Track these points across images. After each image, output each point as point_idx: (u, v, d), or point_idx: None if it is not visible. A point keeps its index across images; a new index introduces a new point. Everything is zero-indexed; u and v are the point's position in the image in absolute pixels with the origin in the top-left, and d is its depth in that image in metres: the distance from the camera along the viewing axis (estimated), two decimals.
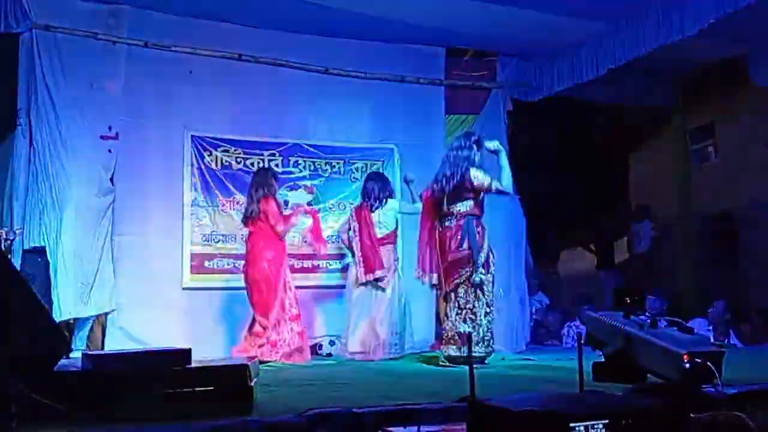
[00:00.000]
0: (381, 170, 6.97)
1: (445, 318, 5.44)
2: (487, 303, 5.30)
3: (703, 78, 8.42)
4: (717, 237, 9.12)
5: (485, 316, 5.27)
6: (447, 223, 5.41)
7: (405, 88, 7.33)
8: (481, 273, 5.27)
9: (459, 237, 5.34)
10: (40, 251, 5.63)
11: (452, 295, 5.34)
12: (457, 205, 5.37)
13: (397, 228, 6.37)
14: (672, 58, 7.20)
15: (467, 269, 5.29)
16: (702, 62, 7.87)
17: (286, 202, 6.70)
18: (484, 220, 5.47)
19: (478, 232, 5.35)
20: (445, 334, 5.38)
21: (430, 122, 7.40)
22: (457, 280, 5.31)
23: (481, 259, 5.30)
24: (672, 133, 9.38)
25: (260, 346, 5.69)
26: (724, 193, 8.91)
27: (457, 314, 5.28)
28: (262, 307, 5.80)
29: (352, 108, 7.21)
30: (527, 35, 7.02)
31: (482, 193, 5.38)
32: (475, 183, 5.30)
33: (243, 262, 6.11)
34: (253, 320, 5.86)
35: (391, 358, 5.91)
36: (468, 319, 5.24)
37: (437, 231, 5.47)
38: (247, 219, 6.00)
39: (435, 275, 5.45)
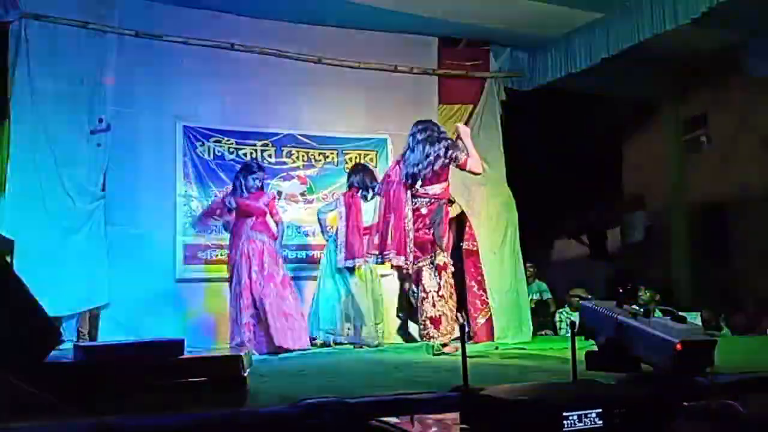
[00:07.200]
0: (374, 160, 7.00)
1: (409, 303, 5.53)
2: (451, 284, 5.37)
3: (696, 68, 8.42)
4: (709, 226, 9.16)
5: (451, 298, 5.34)
6: (415, 205, 5.45)
7: (398, 78, 7.30)
8: (444, 255, 5.40)
9: (428, 220, 5.41)
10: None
11: (416, 277, 5.42)
12: (433, 187, 5.43)
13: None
14: (665, 49, 7.20)
15: (431, 252, 5.40)
16: (695, 52, 7.87)
17: (279, 193, 6.73)
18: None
19: (446, 214, 5.49)
20: (422, 325, 5.41)
21: (423, 112, 7.31)
22: (421, 263, 5.39)
23: (445, 241, 5.44)
24: (665, 123, 9.40)
25: None
26: (717, 182, 8.94)
27: (423, 299, 5.33)
28: None
29: (345, 98, 7.18)
30: (521, 24, 7.00)
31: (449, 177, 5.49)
32: (460, 162, 5.38)
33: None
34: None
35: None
36: (436, 303, 5.29)
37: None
38: None
39: (402, 257, 5.42)
